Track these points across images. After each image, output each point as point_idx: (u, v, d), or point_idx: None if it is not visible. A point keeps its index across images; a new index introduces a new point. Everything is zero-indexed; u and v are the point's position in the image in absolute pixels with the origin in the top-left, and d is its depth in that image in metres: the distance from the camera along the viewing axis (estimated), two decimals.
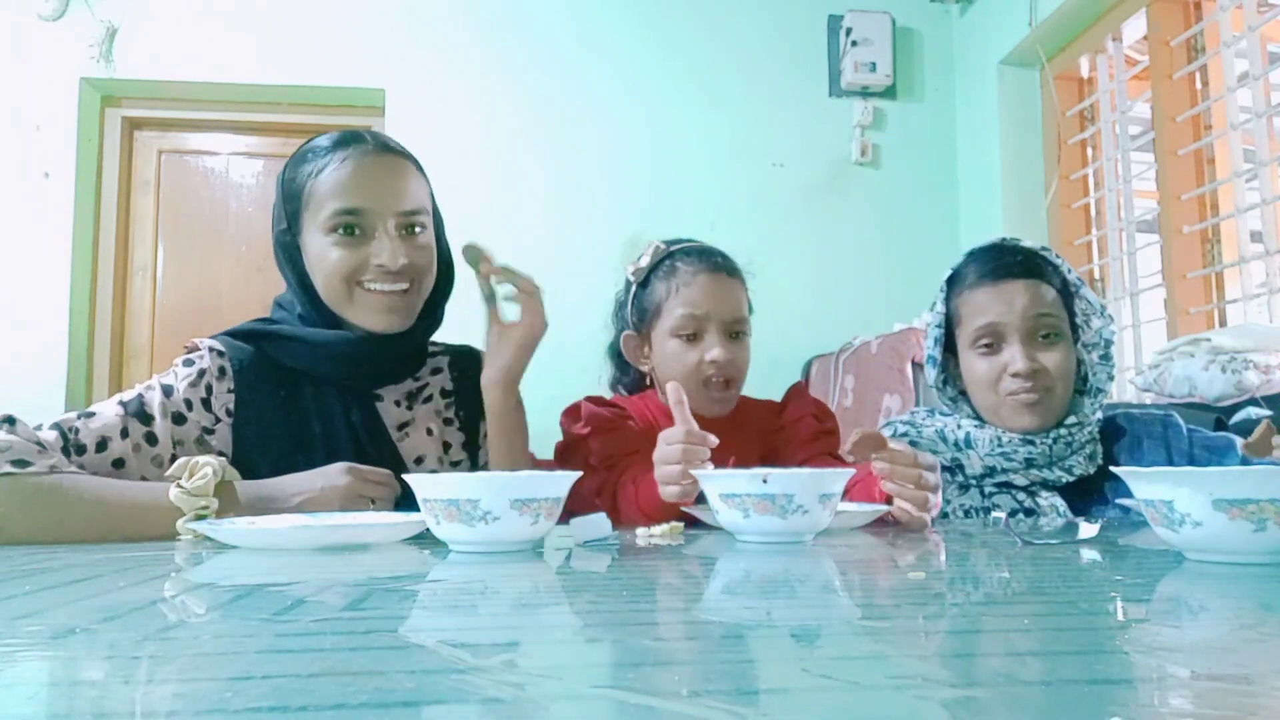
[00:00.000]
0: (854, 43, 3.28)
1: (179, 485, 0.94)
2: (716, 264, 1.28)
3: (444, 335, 1.27)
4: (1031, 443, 1.21)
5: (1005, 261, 1.23)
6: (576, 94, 3.28)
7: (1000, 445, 1.22)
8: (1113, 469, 0.77)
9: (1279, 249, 2.20)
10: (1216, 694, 0.32)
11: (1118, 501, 1.19)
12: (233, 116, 3.33)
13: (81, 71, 3.12)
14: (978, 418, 1.27)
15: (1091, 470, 1.23)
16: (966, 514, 1.26)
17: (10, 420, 0.96)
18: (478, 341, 1.25)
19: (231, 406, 1.10)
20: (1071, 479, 1.23)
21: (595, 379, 1.43)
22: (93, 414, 1.04)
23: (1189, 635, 0.44)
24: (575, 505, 0.92)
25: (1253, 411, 1.69)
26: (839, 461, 1.20)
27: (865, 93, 3.37)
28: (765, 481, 0.82)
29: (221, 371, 1.11)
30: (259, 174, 3.35)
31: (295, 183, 1.15)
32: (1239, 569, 0.63)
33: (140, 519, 0.94)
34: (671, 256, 1.29)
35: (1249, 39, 2.29)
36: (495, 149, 3.22)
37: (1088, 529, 0.92)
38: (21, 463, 0.92)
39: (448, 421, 1.23)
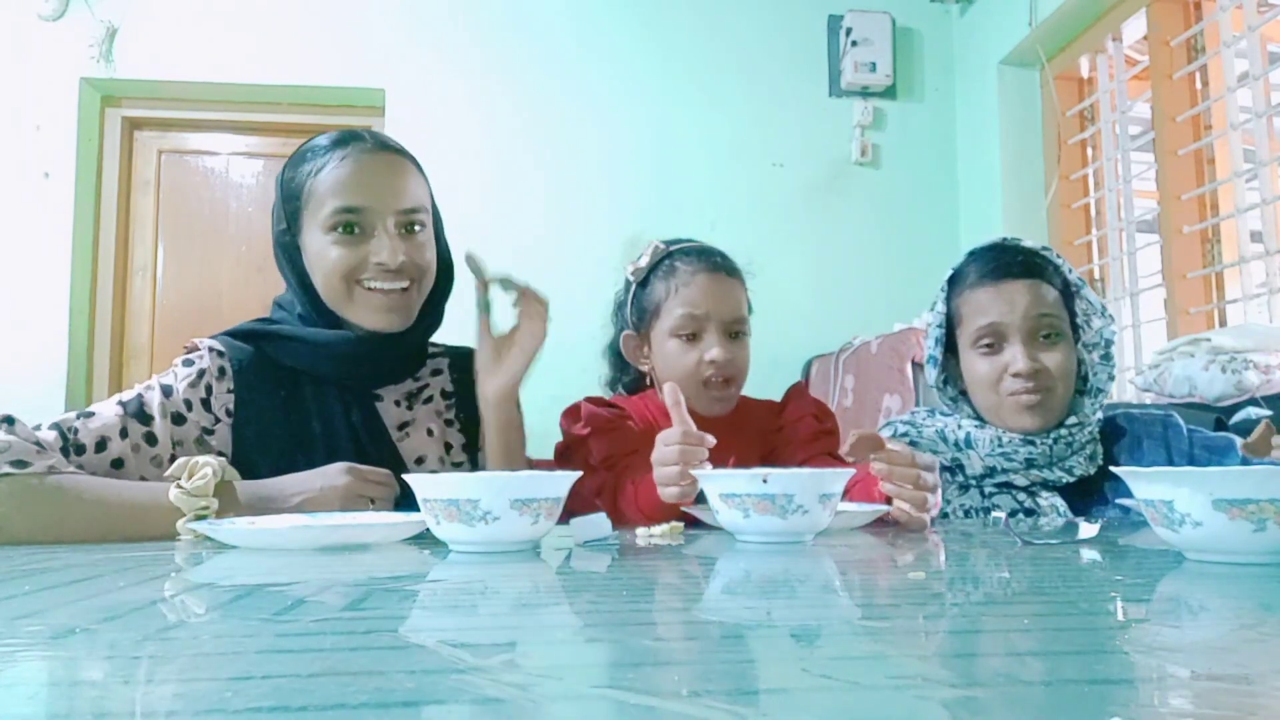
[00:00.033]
0: (854, 43, 3.28)
1: (179, 485, 0.94)
2: (716, 264, 1.28)
3: (444, 335, 1.27)
4: (1032, 443, 1.21)
5: (1006, 261, 1.23)
6: (576, 94, 3.28)
7: (1000, 445, 1.22)
8: (1113, 469, 0.77)
9: (1279, 249, 2.20)
10: (1216, 694, 0.32)
11: (1118, 501, 1.19)
12: (233, 116, 3.33)
13: (81, 71, 3.12)
14: (978, 418, 1.27)
15: (1092, 470, 1.23)
16: (966, 514, 1.26)
17: (10, 420, 0.96)
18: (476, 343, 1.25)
19: (231, 406, 1.10)
20: (1072, 479, 1.23)
21: (595, 379, 1.43)
22: (92, 414, 1.04)
23: (1189, 635, 0.44)
24: (575, 505, 0.92)
25: (1253, 411, 1.69)
26: (839, 461, 1.20)
27: (865, 93, 3.37)
28: (765, 481, 0.82)
29: (221, 371, 1.11)
30: (259, 174, 3.35)
31: (294, 182, 1.15)
32: (1239, 569, 0.63)
33: (140, 519, 0.93)
34: (671, 256, 1.29)
35: (1249, 39, 2.29)
36: (495, 149, 3.22)
37: (1088, 529, 0.92)
38: (21, 463, 0.92)
39: (449, 423, 1.23)
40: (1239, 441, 1.14)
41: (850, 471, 0.89)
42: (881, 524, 1.01)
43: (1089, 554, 0.75)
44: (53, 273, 3.07)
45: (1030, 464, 1.22)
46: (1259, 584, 0.57)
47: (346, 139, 1.15)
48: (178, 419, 1.07)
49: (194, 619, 0.49)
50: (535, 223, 3.17)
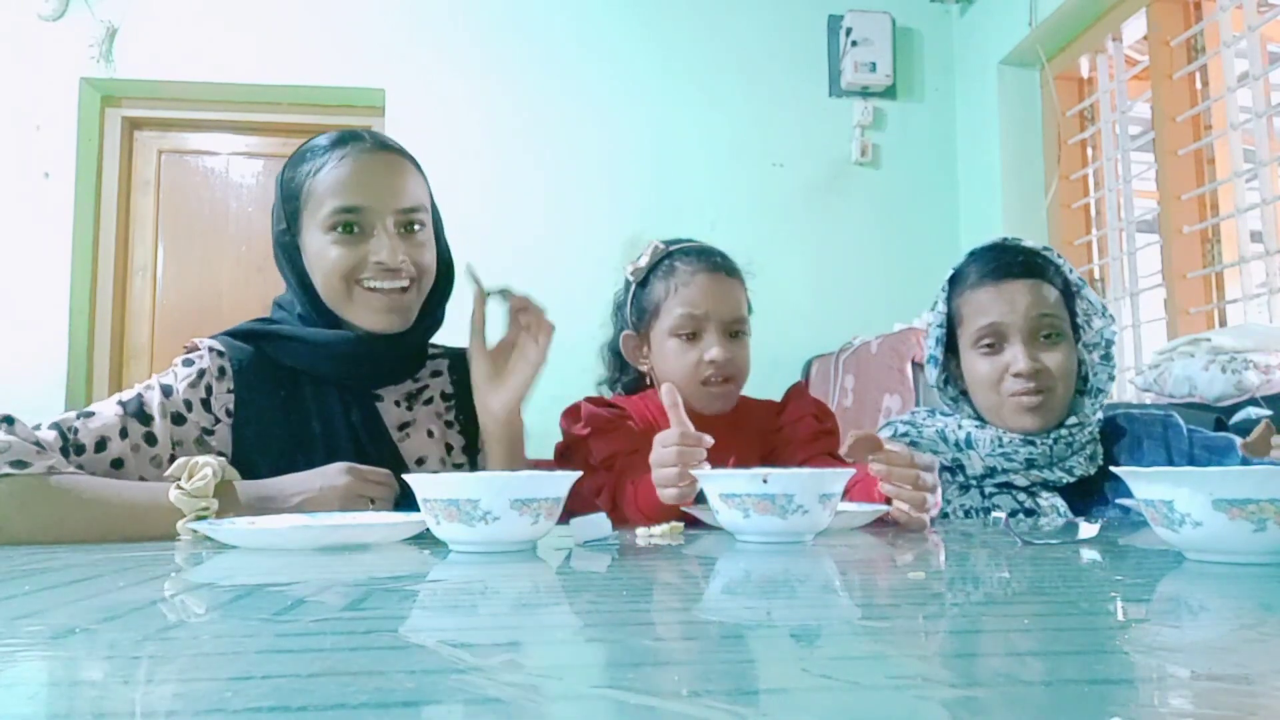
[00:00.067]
0: (854, 43, 3.28)
1: (179, 486, 0.94)
2: (715, 264, 1.28)
3: (444, 336, 1.27)
4: (1032, 443, 1.21)
5: (1007, 261, 1.23)
6: (576, 94, 3.28)
7: (1001, 445, 1.22)
8: (1113, 469, 0.77)
9: (1279, 249, 2.20)
10: (1216, 694, 0.32)
11: (1118, 501, 1.19)
12: (233, 116, 3.33)
13: (81, 71, 3.12)
14: (978, 418, 1.27)
15: (1092, 470, 1.23)
16: (967, 514, 1.26)
17: (9, 420, 0.96)
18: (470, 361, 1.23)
19: (231, 407, 1.10)
20: (1072, 479, 1.23)
21: (595, 379, 1.43)
22: (92, 414, 1.04)
23: (1189, 635, 0.44)
24: (575, 505, 0.91)
25: (1253, 411, 1.69)
26: (839, 461, 1.20)
27: (865, 93, 3.37)
28: (765, 481, 0.82)
29: (221, 372, 1.11)
30: (259, 174, 3.35)
31: (294, 182, 1.15)
32: (1239, 569, 0.63)
33: (140, 519, 0.93)
34: (671, 256, 1.29)
35: (1249, 39, 2.29)
36: (495, 149, 3.22)
37: (1088, 529, 0.92)
38: (20, 463, 0.92)
39: (449, 424, 1.23)
40: (1239, 441, 1.14)
41: (850, 471, 0.89)
42: (881, 524, 1.01)
43: (1089, 554, 0.75)
44: (53, 273, 3.07)
45: (1030, 464, 1.22)
46: (1259, 584, 0.57)
47: (346, 139, 1.15)
48: (178, 419, 1.07)
49: (194, 619, 0.49)
50: (535, 223, 3.17)
